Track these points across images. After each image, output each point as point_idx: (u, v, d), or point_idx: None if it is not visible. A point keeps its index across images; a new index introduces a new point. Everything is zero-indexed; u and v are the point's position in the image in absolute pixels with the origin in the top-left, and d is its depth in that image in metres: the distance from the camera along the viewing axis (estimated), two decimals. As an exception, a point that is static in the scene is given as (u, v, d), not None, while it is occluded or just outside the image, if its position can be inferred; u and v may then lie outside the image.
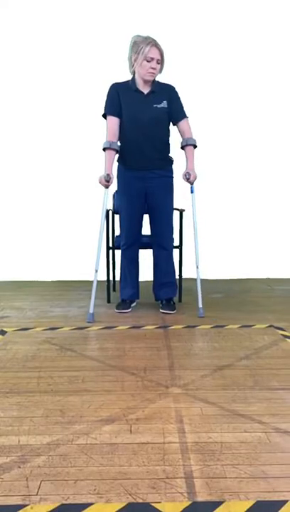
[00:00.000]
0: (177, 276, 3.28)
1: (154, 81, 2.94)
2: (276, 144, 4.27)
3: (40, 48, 4.14)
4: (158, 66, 2.86)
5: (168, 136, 3.05)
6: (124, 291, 3.23)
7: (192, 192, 3.05)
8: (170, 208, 3.12)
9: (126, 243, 3.12)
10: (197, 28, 4.07)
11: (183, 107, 3.00)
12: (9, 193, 4.31)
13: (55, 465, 1.42)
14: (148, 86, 2.94)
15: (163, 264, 3.16)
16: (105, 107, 2.97)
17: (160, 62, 2.85)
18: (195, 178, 3.02)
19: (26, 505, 1.24)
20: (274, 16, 4.10)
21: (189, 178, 2.99)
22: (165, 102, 2.94)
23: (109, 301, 3.42)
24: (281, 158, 4.29)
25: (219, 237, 3.76)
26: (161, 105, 2.94)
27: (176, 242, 3.26)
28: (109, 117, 2.95)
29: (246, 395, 1.91)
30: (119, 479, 1.35)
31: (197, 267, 3.07)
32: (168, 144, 3.06)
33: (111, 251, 3.43)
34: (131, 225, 3.09)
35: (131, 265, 3.17)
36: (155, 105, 2.92)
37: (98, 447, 1.52)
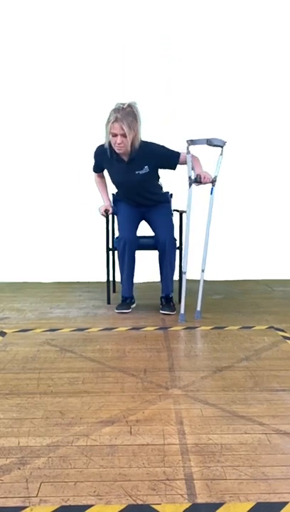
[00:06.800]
0: (176, 278, 3.27)
1: (132, 146, 2.85)
2: (273, 145, 4.26)
3: (40, 48, 4.14)
4: (125, 139, 2.78)
5: (157, 182, 3.14)
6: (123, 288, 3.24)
7: (211, 193, 2.97)
8: (170, 220, 3.19)
9: (121, 242, 3.13)
10: (207, 31, 4.07)
11: (171, 151, 2.95)
12: (9, 195, 4.30)
13: (55, 467, 1.42)
14: (127, 153, 2.91)
15: (166, 263, 3.16)
16: (93, 165, 3.21)
17: (126, 135, 2.76)
18: (209, 179, 2.89)
19: (26, 507, 1.24)
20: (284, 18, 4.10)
21: (200, 180, 2.88)
22: (146, 167, 2.95)
23: (109, 302, 3.42)
24: (280, 159, 4.28)
25: (218, 238, 3.75)
26: (143, 171, 2.96)
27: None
28: (95, 174, 3.25)
29: (246, 396, 1.91)
30: (119, 481, 1.34)
31: (202, 271, 3.05)
32: (160, 187, 3.17)
33: (111, 252, 3.42)
34: (126, 225, 3.13)
35: (126, 265, 3.17)
36: (137, 172, 2.96)
37: (98, 449, 1.52)
